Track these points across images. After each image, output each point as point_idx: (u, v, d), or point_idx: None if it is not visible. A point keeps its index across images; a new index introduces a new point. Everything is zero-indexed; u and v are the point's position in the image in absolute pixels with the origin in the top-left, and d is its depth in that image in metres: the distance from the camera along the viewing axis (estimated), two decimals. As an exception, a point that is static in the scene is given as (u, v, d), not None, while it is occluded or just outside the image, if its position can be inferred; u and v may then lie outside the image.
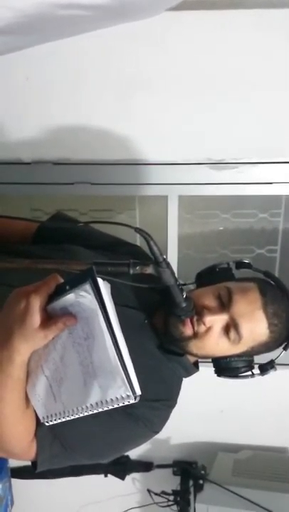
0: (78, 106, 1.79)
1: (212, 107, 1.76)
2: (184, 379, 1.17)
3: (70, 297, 0.79)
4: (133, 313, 1.10)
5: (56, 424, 0.92)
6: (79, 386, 0.80)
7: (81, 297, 0.78)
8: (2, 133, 1.84)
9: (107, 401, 0.77)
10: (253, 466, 2.09)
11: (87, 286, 0.76)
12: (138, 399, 0.76)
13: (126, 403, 0.76)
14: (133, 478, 2.32)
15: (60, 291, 0.80)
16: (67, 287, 0.79)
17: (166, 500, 2.15)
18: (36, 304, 0.79)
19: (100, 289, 0.76)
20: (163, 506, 2.15)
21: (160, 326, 1.10)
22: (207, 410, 2.09)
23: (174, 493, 2.16)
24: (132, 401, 0.76)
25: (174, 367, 1.12)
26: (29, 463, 1.01)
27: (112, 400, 0.76)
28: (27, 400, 0.86)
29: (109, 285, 0.79)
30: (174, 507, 2.14)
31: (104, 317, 0.76)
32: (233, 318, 1.02)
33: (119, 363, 0.75)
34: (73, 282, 0.78)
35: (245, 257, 2.10)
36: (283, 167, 1.86)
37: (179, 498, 2.13)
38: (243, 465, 2.09)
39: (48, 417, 0.85)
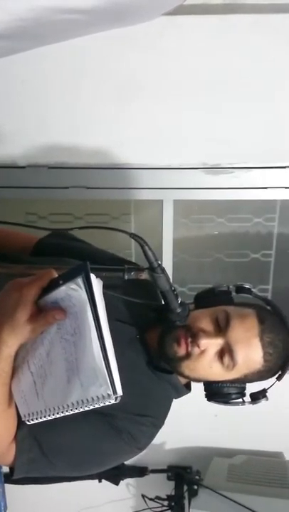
0: (74, 110, 1.79)
1: (208, 112, 1.77)
2: (176, 400, 1.15)
3: (61, 290, 0.79)
4: (125, 327, 1.09)
5: (38, 429, 0.92)
6: (62, 384, 0.79)
7: (72, 291, 0.77)
8: (-3, 137, 1.83)
9: (88, 400, 0.76)
10: (248, 471, 2.09)
11: (79, 280, 0.76)
12: (118, 400, 0.75)
13: (106, 403, 0.75)
14: (127, 484, 2.31)
15: (53, 286, 0.80)
16: (61, 282, 0.79)
17: (160, 505, 2.14)
18: (28, 296, 0.79)
19: (91, 284, 0.76)
20: (157, 511, 2.13)
21: (153, 343, 1.08)
22: (201, 415, 2.08)
23: (169, 498, 2.15)
24: (113, 401, 0.75)
25: (164, 386, 1.10)
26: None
27: (92, 398, 0.75)
28: (10, 398, 0.85)
29: (101, 282, 0.79)
30: (169, 512, 2.13)
31: (92, 312, 0.76)
32: (229, 343, 1.00)
33: (102, 360, 0.75)
34: (67, 277, 0.78)
35: (240, 262, 2.12)
36: (278, 172, 1.87)
37: (173, 503, 2.12)
38: (238, 470, 2.09)
39: (29, 415, 0.84)
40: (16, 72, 1.74)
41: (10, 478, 0.99)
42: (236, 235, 2.11)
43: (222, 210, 2.07)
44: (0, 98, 1.78)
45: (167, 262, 2.03)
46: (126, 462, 2.23)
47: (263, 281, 2.15)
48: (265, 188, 1.89)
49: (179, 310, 0.94)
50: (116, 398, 0.74)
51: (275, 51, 1.70)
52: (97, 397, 0.75)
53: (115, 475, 2.20)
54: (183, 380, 1.11)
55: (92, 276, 0.77)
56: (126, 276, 0.87)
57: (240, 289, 1.14)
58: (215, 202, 1.99)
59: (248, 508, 1.78)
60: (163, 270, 0.87)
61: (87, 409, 0.77)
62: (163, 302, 0.95)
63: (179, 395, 1.13)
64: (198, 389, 1.14)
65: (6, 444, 0.92)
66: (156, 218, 2.00)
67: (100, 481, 2.18)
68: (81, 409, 0.78)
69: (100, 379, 0.75)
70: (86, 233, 0.89)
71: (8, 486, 2.22)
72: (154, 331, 1.09)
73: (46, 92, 1.77)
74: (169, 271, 2.04)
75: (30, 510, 2.36)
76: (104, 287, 0.80)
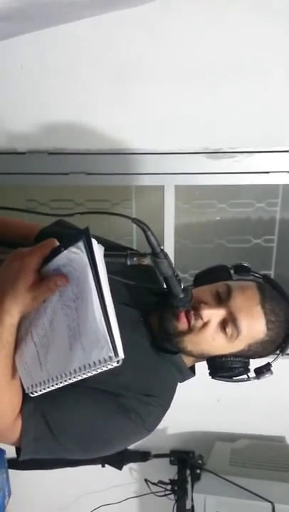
0: (74, 95, 1.77)
1: (209, 95, 1.75)
2: (178, 384, 1.14)
3: (62, 256, 0.79)
4: (129, 310, 1.08)
5: (44, 405, 0.91)
6: (64, 351, 0.79)
7: (73, 254, 0.77)
8: (-4, 122, 1.82)
9: (90, 365, 0.75)
10: (251, 456, 2.10)
11: (80, 243, 0.76)
12: (120, 363, 0.74)
13: (109, 367, 0.74)
14: (130, 468, 2.33)
15: (54, 254, 0.80)
16: (62, 249, 0.79)
17: (163, 489, 2.16)
18: (29, 264, 0.79)
19: (92, 247, 0.76)
20: (160, 496, 2.15)
21: (155, 325, 1.08)
22: (204, 399, 2.09)
23: (171, 482, 2.17)
24: (115, 364, 0.74)
25: (169, 368, 1.10)
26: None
27: (94, 363, 0.75)
28: (14, 370, 0.85)
29: (103, 248, 0.79)
30: (172, 496, 2.15)
31: (94, 276, 0.75)
32: (232, 312, 1.01)
33: (104, 323, 0.74)
34: (68, 243, 0.78)
35: (242, 247, 2.11)
36: (280, 156, 1.85)
37: (176, 488, 2.14)
38: (241, 454, 2.10)
39: (32, 386, 0.83)
40: (16, 57, 1.72)
41: (16, 460, 0.97)
42: (238, 220, 2.10)
43: (224, 196, 2.06)
44: (-1, 83, 1.76)
45: (169, 248, 2.02)
46: (129, 447, 2.26)
47: (265, 266, 2.14)
48: (267, 172, 1.87)
49: (182, 295, 0.94)
50: (118, 361, 0.74)
51: (276, 34, 1.68)
52: (99, 360, 0.74)
53: (118, 460, 2.21)
54: (187, 362, 1.11)
55: (94, 240, 0.77)
56: (128, 262, 0.86)
57: (238, 268, 1.15)
58: (216, 187, 1.98)
59: (250, 492, 1.79)
60: (166, 255, 0.87)
61: (90, 374, 0.76)
62: (165, 287, 0.94)
63: (183, 378, 1.13)
64: (200, 373, 1.14)
65: (11, 419, 0.90)
66: (157, 204, 1.99)
67: (103, 466, 2.20)
68: (84, 376, 0.77)
69: (101, 341, 0.74)
70: (87, 220, 0.88)
71: (11, 472, 2.24)
72: (156, 313, 1.10)
73: (46, 77, 1.75)
74: (171, 257, 2.02)
75: (33, 495, 2.38)
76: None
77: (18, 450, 0.96)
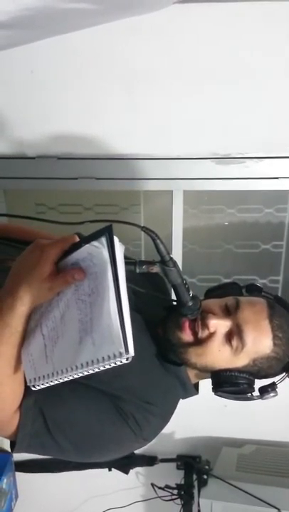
0: (83, 100, 1.77)
1: (218, 101, 1.75)
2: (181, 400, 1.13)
3: (83, 250, 0.79)
4: (137, 317, 1.08)
5: (44, 401, 0.91)
6: (73, 345, 0.78)
7: (94, 249, 0.78)
8: (7, 127, 1.83)
9: (98, 359, 0.74)
10: (258, 461, 2.10)
11: (103, 239, 0.77)
12: (130, 360, 0.73)
13: (118, 363, 0.74)
14: (137, 472, 2.33)
15: (75, 248, 0.80)
16: (83, 244, 0.79)
17: (169, 494, 2.16)
18: (49, 255, 0.79)
19: (114, 244, 0.76)
20: (167, 500, 2.15)
21: (160, 334, 1.08)
22: (211, 405, 2.07)
23: (178, 487, 2.17)
24: (124, 361, 0.73)
25: (172, 381, 1.09)
26: (32, 456, 0.97)
27: (103, 358, 0.74)
28: (19, 362, 0.84)
29: (123, 247, 0.79)
30: (178, 501, 2.15)
31: (113, 272, 0.76)
32: (238, 324, 1.00)
33: (118, 319, 0.74)
34: (89, 239, 0.79)
35: (251, 253, 2.11)
36: (289, 162, 1.85)
37: (182, 492, 2.14)
38: (248, 460, 2.10)
39: (35, 379, 0.83)
40: (25, 63, 1.73)
41: (25, 468, 0.96)
42: (246, 225, 2.10)
43: (232, 201, 2.06)
44: (9, 88, 1.77)
45: (177, 253, 2.03)
46: (136, 451, 2.26)
47: (274, 272, 2.13)
48: (277, 178, 1.87)
49: (190, 303, 0.94)
50: (127, 358, 0.73)
51: (286, 40, 1.67)
52: (108, 356, 0.73)
53: (125, 464, 2.22)
54: (192, 377, 1.10)
55: (116, 238, 0.77)
56: (137, 270, 0.86)
57: (250, 287, 1.14)
58: (225, 192, 1.98)
59: (257, 498, 1.79)
60: (174, 264, 0.87)
61: (96, 370, 0.76)
62: (174, 295, 0.94)
63: (186, 394, 1.11)
64: (208, 379, 1.14)
65: (10, 411, 0.89)
66: (165, 209, 1.99)
67: (109, 470, 2.21)
68: (90, 371, 0.76)
69: (113, 336, 0.74)
70: (95, 225, 0.89)
71: (18, 475, 2.25)
72: (162, 323, 1.09)
73: (55, 82, 1.76)
74: (179, 262, 2.04)
75: (40, 498, 2.38)
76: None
77: (12, 444, 0.95)
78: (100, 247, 0.77)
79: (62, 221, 0.95)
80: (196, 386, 1.14)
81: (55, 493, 2.38)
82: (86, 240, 0.79)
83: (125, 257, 0.83)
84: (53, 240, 0.82)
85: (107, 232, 0.77)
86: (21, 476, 2.25)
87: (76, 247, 0.80)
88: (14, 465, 2.20)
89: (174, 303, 0.99)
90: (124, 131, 1.82)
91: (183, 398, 1.13)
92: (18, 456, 2.18)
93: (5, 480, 2.11)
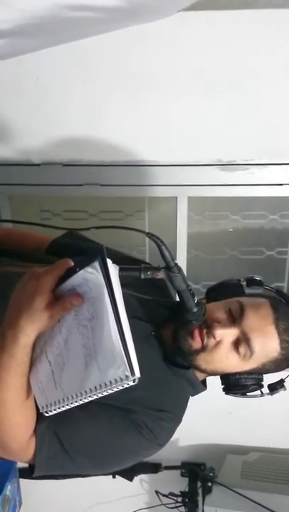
0: (88, 107, 1.78)
1: (222, 107, 1.75)
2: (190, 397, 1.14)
3: (78, 276, 0.79)
4: (141, 324, 1.09)
5: (57, 423, 0.92)
6: (80, 370, 0.79)
7: (89, 274, 0.78)
8: (12, 134, 1.84)
9: (106, 384, 0.75)
10: (262, 469, 2.09)
11: (96, 264, 0.77)
12: (136, 381, 0.74)
13: (125, 385, 0.74)
14: (141, 480, 2.32)
15: (70, 274, 0.80)
16: (77, 269, 0.79)
17: (174, 501, 2.15)
18: (45, 284, 0.79)
19: (108, 268, 0.77)
20: (171, 508, 2.14)
21: (167, 339, 1.08)
22: (216, 412, 2.08)
23: (182, 494, 2.16)
24: (131, 383, 0.74)
25: (180, 382, 1.10)
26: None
27: (110, 382, 0.75)
28: (28, 390, 0.85)
29: (118, 268, 0.80)
30: (182, 508, 2.14)
31: (109, 296, 0.76)
32: (245, 332, 1.00)
33: (120, 342, 0.74)
34: (83, 263, 0.79)
35: (255, 259, 2.11)
36: (294, 168, 1.85)
37: (187, 500, 2.13)
38: (252, 467, 2.09)
39: (47, 406, 0.84)
40: (31, 69, 1.74)
41: (29, 474, 0.97)
42: (251, 231, 2.10)
43: (237, 207, 2.06)
44: (15, 95, 1.78)
45: (181, 259, 2.03)
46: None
47: (279, 278, 2.13)
48: (281, 184, 1.87)
49: (195, 309, 0.94)
50: (134, 380, 0.74)
51: (290, 46, 1.68)
52: (115, 379, 0.74)
53: (129, 471, 2.21)
54: (199, 376, 1.11)
55: (109, 260, 0.77)
56: (142, 276, 0.86)
57: (250, 282, 1.14)
58: (230, 199, 1.98)
59: (262, 506, 1.78)
60: (179, 270, 0.87)
61: (105, 393, 0.76)
62: (179, 301, 0.95)
63: (195, 392, 1.13)
64: (212, 386, 1.14)
65: (25, 438, 0.91)
66: (170, 215, 2.00)
67: (114, 477, 2.19)
68: (100, 395, 0.77)
69: (117, 360, 0.74)
70: (100, 230, 0.89)
71: (22, 481, 2.24)
72: (168, 327, 1.10)
73: (61, 89, 1.77)
74: (183, 268, 2.03)
75: (44, 505, 2.38)
76: (120, 285, 0.80)
77: (31, 467, 0.96)
78: (94, 272, 0.78)
79: (68, 227, 0.96)
80: (204, 382, 1.15)
81: (59, 500, 2.37)
82: (80, 264, 0.79)
83: (128, 262, 0.83)
84: (47, 268, 0.82)
85: (100, 256, 0.77)
86: (25, 483, 2.24)
87: (71, 272, 0.80)
88: (18, 472, 2.20)
89: (176, 302, 0.99)
90: (129, 137, 1.83)
91: (192, 396, 1.14)
92: (22, 463, 2.18)
93: (9, 487, 2.10)
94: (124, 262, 1.12)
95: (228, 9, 1.62)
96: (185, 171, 1.87)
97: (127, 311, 0.79)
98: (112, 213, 2.10)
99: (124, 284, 0.82)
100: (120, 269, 0.83)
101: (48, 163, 1.88)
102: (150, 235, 0.84)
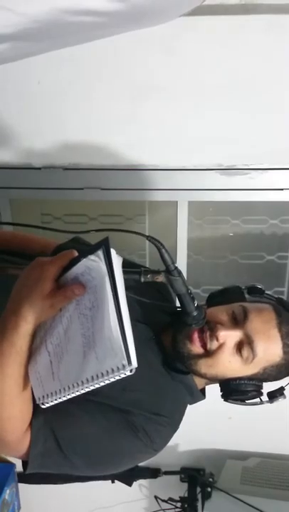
0: (89, 111, 1.79)
1: (223, 112, 1.76)
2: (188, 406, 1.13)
3: (81, 264, 0.80)
4: (141, 327, 1.08)
5: (54, 419, 0.91)
6: (78, 360, 0.79)
7: (92, 262, 0.78)
8: (13, 138, 1.84)
9: (102, 373, 0.75)
10: (262, 474, 2.08)
11: (100, 252, 0.77)
12: (134, 371, 0.73)
13: (122, 375, 0.74)
14: (140, 485, 2.31)
15: (73, 263, 0.81)
16: (81, 258, 0.80)
17: (173, 507, 2.14)
18: (49, 272, 0.80)
19: (111, 257, 0.77)
20: (170, 513, 2.13)
21: (167, 343, 1.08)
22: (215, 417, 2.07)
23: (182, 499, 2.15)
24: (128, 373, 0.73)
25: (179, 389, 1.09)
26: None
27: (107, 371, 0.74)
28: (26, 380, 0.85)
29: (121, 259, 0.80)
30: (181, 514, 2.13)
31: (111, 284, 0.76)
32: (248, 335, 1.00)
33: (118, 331, 0.74)
34: (87, 253, 0.79)
35: (255, 264, 2.11)
36: (294, 173, 1.85)
37: (186, 505, 2.12)
38: (252, 473, 2.08)
39: (44, 397, 0.83)
40: (33, 73, 1.75)
41: (23, 473, 0.96)
42: (251, 236, 2.10)
43: (237, 212, 2.06)
44: (16, 99, 1.79)
45: (181, 264, 2.03)
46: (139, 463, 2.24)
47: (279, 283, 2.13)
48: (281, 189, 1.88)
49: (195, 313, 0.94)
50: (131, 370, 0.73)
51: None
52: (112, 369, 0.74)
53: (128, 476, 2.20)
54: (199, 383, 1.10)
55: (112, 250, 0.78)
56: (142, 279, 0.86)
57: (252, 290, 1.14)
58: (230, 203, 1.99)
59: (261, 512, 1.77)
60: (180, 273, 0.87)
61: (102, 384, 0.76)
62: (179, 305, 0.94)
63: (193, 400, 1.12)
64: (212, 390, 1.13)
65: (21, 431, 0.90)
66: (170, 219, 2.00)
67: (113, 482, 2.19)
68: (96, 385, 0.76)
69: (115, 349, 0.74)
70: (100, 234, 0.90)
71: (21, 486, 2.23)
72: (168, 331, 1.09)
73: (62, 94, 1.77)
74: (184, 272, 2.03)
75: (43, 510, 2.37)
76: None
77: (24, 464, 0.96)
78: (97, 260, 0.78)
79: (68, 230, 0.96)
80: (203, 391, 1.14)
81: (58, 505, 2.36)
82: (84, 254, 0.80)
83: (130, 265, 0.83)
84: (51, 258, 0.83)
85: (104, 245, 0.78)
86: (24, 487, 2.23)
87: (75, 262, 0.81)
88: (17, 476, 2.19)
89: (178, 309, 0.99)
90: (130, 142, 1.83)
91: (190, 404, 1.13)
92: (21, 467, 2.17)
93: (8, 491, 2.10)
94: (126, 266, 1.12)
95: (228, 15, 1.63)
96: (185, 175, 1.88)
97: (130, 314, 0.78)
98: (113, 217, 2.10)
99: (126, 288, 0.82)
100: (121, 272, 0.83)
101: (48, 166, 1.89)
102: (150, 238, 0.84)
